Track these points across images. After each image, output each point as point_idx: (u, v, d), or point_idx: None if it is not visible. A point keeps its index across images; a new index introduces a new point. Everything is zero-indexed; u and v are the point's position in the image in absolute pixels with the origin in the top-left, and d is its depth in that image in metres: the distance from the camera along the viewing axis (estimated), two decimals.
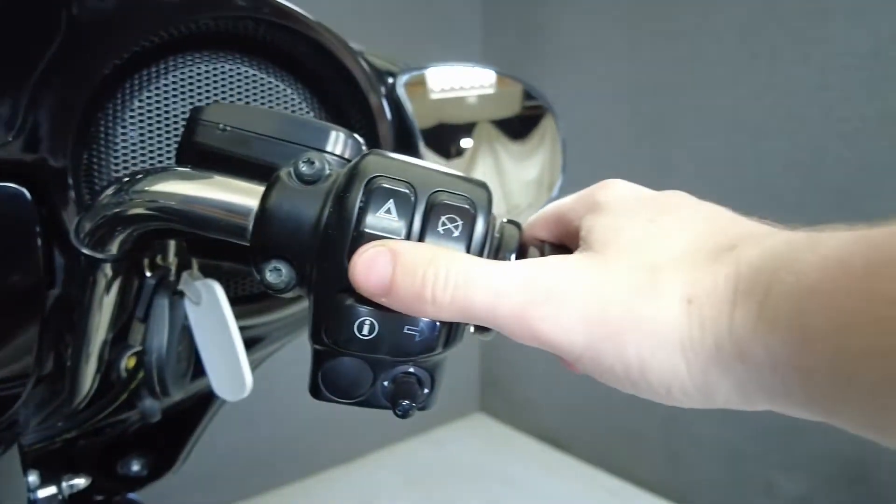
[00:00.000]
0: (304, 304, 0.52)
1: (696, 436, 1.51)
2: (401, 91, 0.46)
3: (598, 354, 0.21)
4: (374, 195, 0.25)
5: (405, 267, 0.23)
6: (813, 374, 0.18)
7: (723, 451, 1.46)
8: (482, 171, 0.55)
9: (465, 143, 0.55)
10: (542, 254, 0.28)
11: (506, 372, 1.96)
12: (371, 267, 0.23)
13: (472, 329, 0.28)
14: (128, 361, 0.44)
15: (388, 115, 0.44)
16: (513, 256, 0.28)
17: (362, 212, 0.25)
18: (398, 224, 0.25)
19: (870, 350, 0.16)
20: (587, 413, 1.73)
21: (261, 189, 0.27)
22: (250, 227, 0.27)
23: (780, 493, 1.37)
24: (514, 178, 0.54)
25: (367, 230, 0.24)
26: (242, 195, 0.27)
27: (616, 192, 0.26)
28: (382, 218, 0.24)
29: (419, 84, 0.51)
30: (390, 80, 0.48)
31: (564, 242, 0.28)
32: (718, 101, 1.42)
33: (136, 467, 0.52)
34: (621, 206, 0.25)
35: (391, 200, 0.25)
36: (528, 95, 0.56)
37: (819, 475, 1.31)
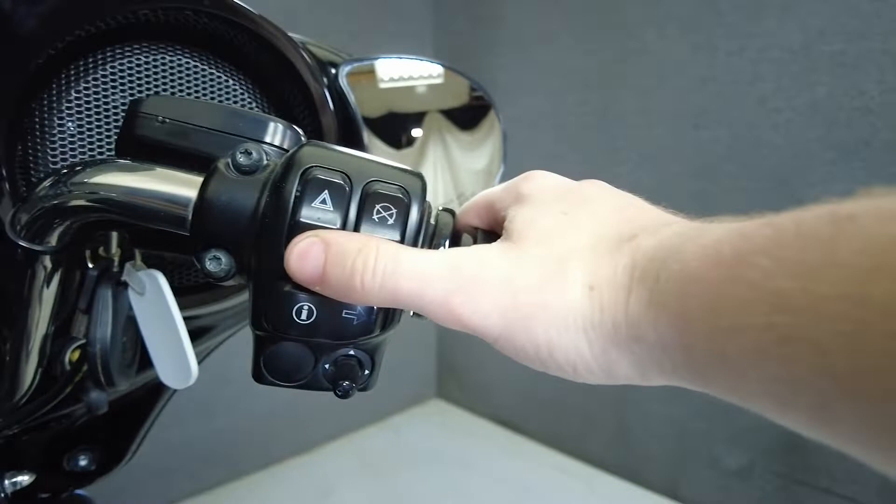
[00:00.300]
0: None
1: (645, 415, 1.56)
2: (343, 81, 0.46)
3: (511, 337, 0.23)
4: (310, 185, 0.25)
5: (335, 257, 0.24)
6: (693, 351, 0.20)
7: (671, 428, 1.52)
8: (431, 161, 0.56)
9: (415, 133, 0.56)
10: (475, 240, 0.30)
11: (462, 358, 1.99)
12: (304, 257, 0.24)
13: (410, 312, 0.30)
14: (71, 355, 0.44)
15: (331, 105, 0.45)
16: (447, 242, 0.29)
17: (298, 201, 0.25)
18: (333, 214, 0.26)
19: (735, 329, 0.18)
20: (542, 396, 1.77)
21: (199, 180, 0.28)
22: (190, 217, 0.28)
23: (723, 466, 1.44)
24: (460, 167, 0.56)
25: (302, 220, 0.25)
26: (182, 186, 0.28)
27: (537, 184, 0.28)
28: (317, 208, 0.25)
29: (364, 75, 0.52)
30: (333, 71, 0.48)
31: (494, 229, 0.30)
32: (662, 91, 1.46)
33: (83, 462, 0.51)
34: (540, 198, 0.27)
35: (326, 191, 0.26)
36: (470, 89, 0.58)
37: (758, 447, 1.38)
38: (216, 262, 0.27)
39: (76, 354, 0.44)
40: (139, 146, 0.30)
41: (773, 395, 0.17)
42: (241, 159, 0.27)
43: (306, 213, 0.25)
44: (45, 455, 0.49)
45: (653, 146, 1.49)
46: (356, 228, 0.26)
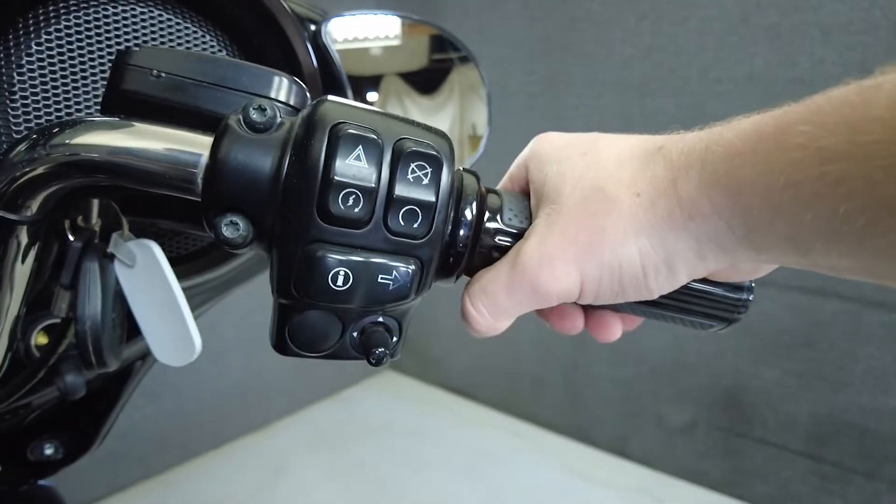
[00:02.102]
0: (223, 270, 0.49)
1: (594, 377, 1.62)
2: (327, 39, 0.44)
3: (590, 276, 0.26)
4: (342, 142, 0.24)
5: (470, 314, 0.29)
6: (750, 211, 0.23)
7: (618, 389, 1.58)
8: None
9: (371, 96, 0.54)
10: (500, 199, 0.30)
11: (413, 329, 1.98)
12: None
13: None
14: (37, 337, 0.41)
15: (315, 63, 0.43)
16: (474, 203, 0.28)
17: (329, 160, 0.24)
18: (368, 170, 0.24)
19: (790, 184, 0.21)
20: (493, 363, 1.80)
21: (207, 139, 0.26)
22: (200, 179, 0.25)
23: (668, 424, 1.52)
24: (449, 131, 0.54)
25: (336, 178, 0.24)
26: (189, 146, 0.26)
27: (549, 143, 0.30)
28: (352, 165, 0.24)
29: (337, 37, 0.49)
30: (312, 27, 0.45)
31: (524, 188, 0.31)
32: (608, 61, 1.48)
33: (49, 451, 0.48)
34: (557, 152, 0.29)
35: (360, 147, 0.24)
36: (451, 46, 0.56)
37: (701, 404, 1.46)
38: (233, 228, 0.25)
39: (42, 337, 0.41)
40: (129, 102, 0.28)
41: (825, 229, 0.21)
42: (255, 116, 0.25)
43: (341, 170, 0.24)
44: (8, 445, 0.45)
45: (599, 115, 1.51)
46: (390, 186, 0.25)
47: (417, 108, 0.54)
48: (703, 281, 0.29)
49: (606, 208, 0.26)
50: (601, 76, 1.50)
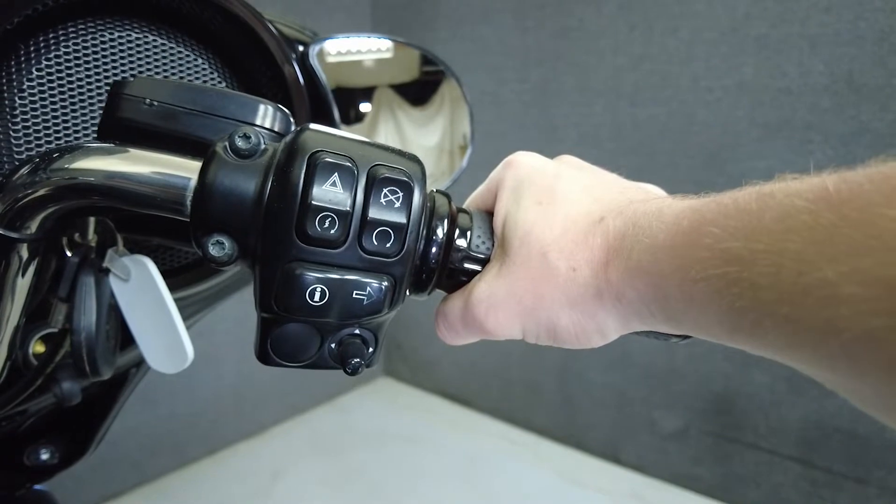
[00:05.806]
0: (211, 283, 0.51)
1: (587, 383, 1.63)
2: (314, 61, 0.46)
3: (529, 331, 0.30)
4: (319, 169, 0.26)
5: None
6: (668, 299, 0.25)
7: (611, 395, 1.60)
8: (401, 142, 0.56)
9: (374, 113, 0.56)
10: (471, 219, 0.32)
11: (409, 336, 2.00)
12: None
13: (408, 293, 0.31)
14: (35, 346, 0.42)
15: (303, 85, 0.44)
16: (445, 222, 0.30)
17: (308, 185, 0.26)
18: (343, 195, 0.26)
19: (700, 279, 0.23)
20: (487, 370, 1.81)
21: (196, 164, 0.27)
22: (188, 202, 0.27)
23: (661, 429, 1.53)
24: (425, 149, 0.56)
25: (314, 202, 0.26)
26: (179, 170, 0.28)
27: (516, 172, 0.32)
28: (328, 190, 0.26)
29: (326, 54, 0.51)
30: (301, 49, 0.47)
31: (489, 209, 0.33)
32: (600, 69, 1.50)
33: (44, 456, 0.49)
34: (519, 188, 0.31)
35: (336, 174, 0.26)
36: (431, 63, 0.58)
37: (693, 410, 1.47)
38: (219, 247, 0.27)
39: (39, 346, 0.42)
40: (124, 129, 0.29)
41: (725, 322, 0.23)
42: (240, 143, 0.27)
43: (318, 195, 0.26)
44: (4, 450, 0.47)
45: (591, 124, 1.53)
46: (364, 210, 0.26)
47: (408, 121, 0.56)
48: None
49: (546, 277, 0.29)
50: (593, 85, 1.52)
